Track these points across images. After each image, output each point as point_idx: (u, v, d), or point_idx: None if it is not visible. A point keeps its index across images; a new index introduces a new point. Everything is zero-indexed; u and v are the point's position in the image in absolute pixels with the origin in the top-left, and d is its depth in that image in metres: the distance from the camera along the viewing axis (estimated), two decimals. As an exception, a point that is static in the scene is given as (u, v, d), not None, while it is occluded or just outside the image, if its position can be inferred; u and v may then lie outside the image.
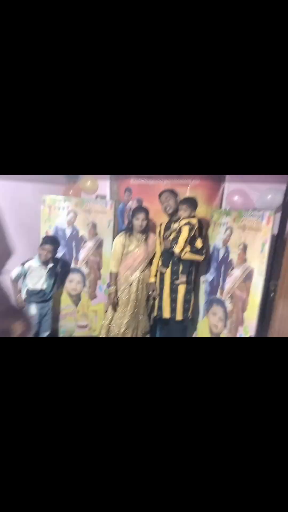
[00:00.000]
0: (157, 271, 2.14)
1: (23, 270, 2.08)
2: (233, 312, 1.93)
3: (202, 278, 2.27)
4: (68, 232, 2.49)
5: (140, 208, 2.12)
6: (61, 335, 2.54)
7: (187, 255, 1.92)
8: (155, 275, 2.16)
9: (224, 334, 2.02)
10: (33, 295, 2.13)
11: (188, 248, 1.92)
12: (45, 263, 2.11)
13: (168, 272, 2.04)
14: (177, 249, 1.89)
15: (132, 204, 2.52)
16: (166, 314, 2.05)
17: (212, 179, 2.24)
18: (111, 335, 2.23)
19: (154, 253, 2.21)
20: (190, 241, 1.93)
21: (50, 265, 2.15)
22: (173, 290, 2.03)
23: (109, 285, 2.33)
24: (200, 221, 1.98)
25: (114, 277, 2.22)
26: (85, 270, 2.54)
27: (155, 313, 2.19)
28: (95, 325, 2.60)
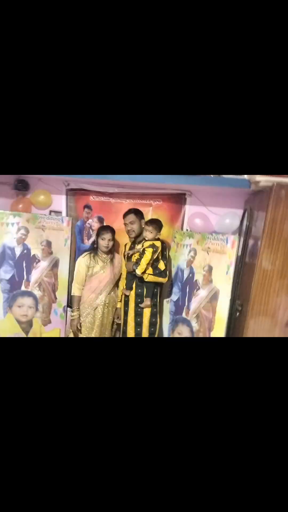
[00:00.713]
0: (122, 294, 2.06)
1: None
2: (199, 331, 1.97)
3: (166, 299, 2.27)
4: (17, 251, 2.22)
5: (106, 227, 2.03)
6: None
7: (150, 278, 1.90)
8: (121, 300, 2.08)
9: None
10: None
11: (150, 271, 1.90)
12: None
13: (132, 294, 1.99)
14: (138, 271, 1.86)
15: (92, 222, 2.40)
16: None
17: (174, 201, 2.31)
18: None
19: (120, 275, 2.12)
20: (153, 263, 1.91)
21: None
22: (138, 314, 1.98)
23: (65, 309, 2.13)
24: (163, 243, 2.00)
25: (77, 300, 2.04)
26: (37, 292, 2.28)
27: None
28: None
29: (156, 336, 2.02)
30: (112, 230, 2.01)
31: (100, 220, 2.38)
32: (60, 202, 2.45)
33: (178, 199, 2.30)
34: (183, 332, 2.10)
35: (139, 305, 1.95)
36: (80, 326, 2.02)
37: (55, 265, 2.35)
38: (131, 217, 2.00)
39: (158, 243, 1.90)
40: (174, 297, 2.19)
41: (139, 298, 1.96)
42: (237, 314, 1.80)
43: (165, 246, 2.00)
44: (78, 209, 2.45)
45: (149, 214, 2.28)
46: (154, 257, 1.87)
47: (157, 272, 1.91)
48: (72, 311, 2.07)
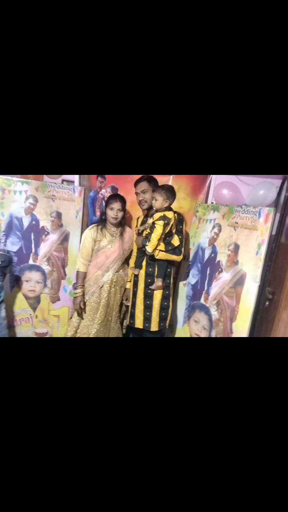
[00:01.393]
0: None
1: None
2: (219, 321, 1.70)
3: (183, 282, 2.01)
4: (25, 221, 2.07)
5: (115, 196, 1.79)
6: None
7: (162, 255, 1.64)
8: (131, 280, 1.86)
9: (208, 345, 1.79)
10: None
11: (162, 247, 1.64)
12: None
13: (142, 274, 1.75)
14: (149, 248, 1.60)
15: (106, 192, 2.17)
16: (139, 324, 1.76)
17: (199, 169, 1.98)
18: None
19: (131, 251, 1.89)
20: (166, 238, 1.64)
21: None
22: (148, 296, 1.74)
23: (75, 286, 1.97)
24: (178, 216, 1.71)
25: (82, 277, 1.86)
26: (46, 267, 2.14)
27: (127, 321, 1.89)
28: (56, 333, 2.22)
29: (167, 322, 1.79)
30: (121, 199, 1.76)
31: (114, 190, 2.14)
32: (73, 170, 2.25)
33: (204, 167, 1.97)
34: (200, 320, 1.84)
35: (149, 286, 1.72)
36: (84, 305, 1.84)
37: (65, 238, 2.19)
38: (144, 185, 1.73)
39: (170, 214, 1.62)
40: (192, 279, 1.91)
41: (149, 278, 1.72)
42: (267, 303, 1.49)
43: (181, 219, 1.71)
44: (92, 178, 2.23)
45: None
46: (166, 231, 1.60)
47: (170, 249, 1.64)
48: (75, 288, 1.90)
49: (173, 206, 1.71)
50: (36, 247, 2.11)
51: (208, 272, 1.80)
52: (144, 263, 1.73)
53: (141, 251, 1.71)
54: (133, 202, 2.03)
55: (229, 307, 1.64)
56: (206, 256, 1.82)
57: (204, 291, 1.82)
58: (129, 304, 1.84)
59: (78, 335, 1.88)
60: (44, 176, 2.28)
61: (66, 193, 2.14)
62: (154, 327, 1.74)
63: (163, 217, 1.59)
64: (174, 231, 1.65)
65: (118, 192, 2.04)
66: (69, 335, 1.89)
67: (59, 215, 2.13)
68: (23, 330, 2.16)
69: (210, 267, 1.78)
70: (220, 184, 1.92)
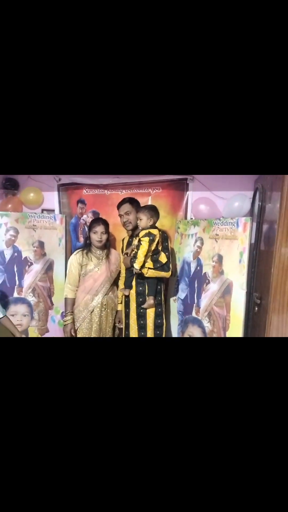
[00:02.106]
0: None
1: None
2: (213, 332, 1.71)
3: (172, 298, 2.03)
4: (7, 254, 2.03)
5: (97, 220, 1.81)
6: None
7: (151, 273, 1.66)
8: (122, 301, 1.85)
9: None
10: None
11: (151, 264, 1.66)
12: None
13: (132, 294, 1.75)
14: (136, 265, 1.61)
15: (87, 218, 2.20)
16: None
17: (175, 188, 2.07)
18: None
19: (119, 273, 1.90)
20: (153, 256, 1.68)
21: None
22: (141, 315, 1.74)
23: (63, 315, 1.92)
24: (163, 233, 1.76)
25: (71, 304, 1.83)
26: (32, 299, 2.08)
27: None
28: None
29: (163, 339, 1.77)
30: (104, 222, 1.79)
31: (95, 214, 2.18)
32: (52, 199, 2.27)
33: (180, 185, 2.07)
34: (194, 333, 1.84)
35: (142, 306, 1.71)
36: (75, 333, 1.79)
37: (49, 267, 2.16)
38: (126, 207, 1.78)
39: (155, 231, 1.66)
40: (182, 294, 1.94)
41: (140, 297, 1.72)
42: (256, 308, 1.53)
43: (166, 236, 1.76)
44: (72, 205, 2.25)
45: (148, 203, 2.05)
46: (153, 248, 1.63)
47: (158, 266, 1.67)
48: (64, 316, 1.85)
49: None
50: (20, 279, 2.06)
51: (196, 285, 1.83)
52: (134, 282, 1.74)
53: (130, 271, 1.72)
54: (116, 225, 2.07)
55: (221, 317, 1.67)
56: (192, 269, 1.86)
57: (194, 304, 1.84)
58: (123, 326, 1.82)
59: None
60: (24, 207, 2.28)
61: (47, 222, 2.14)
62: None
63: (148, 234, 1.63)
64: (160, 248, 1.69)
65: (100, 216, 2.08)
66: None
67: (41, 244, 2.11)
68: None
69: (198, 279, 1.82)
70: (197, 200, 2.01)
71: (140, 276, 1.69)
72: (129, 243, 1.83)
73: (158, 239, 1.66)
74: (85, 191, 2.20)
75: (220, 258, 1.68)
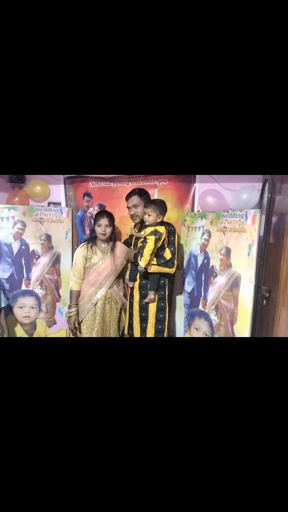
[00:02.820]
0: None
1: None
2: (220, 325, 1.70)
3: (180, 291, 2.02)
4: (15, 247, 2.05)
5: (102, 213, 1.80)
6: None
7: (154, 268, 1.65)
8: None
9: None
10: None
11: (154, 261, 1.65)
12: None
13: (136, 286, 1.76)
14: (142, 263, 1.61)
15: (93, 211, 2.19)
16: (137, 334, 1.76)
17: (182, 180, 2.04)
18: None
19: (125, 266, 1.89)
20: (157, 252, 1.66)
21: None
22: (143, 308, 1.74)
23: (70, 307, 1.94)
24: (170, 227, 1.73)
25: (75, 296, 1.84)
26: (39, 291, 2.10)
27: (126, 331, 1.87)
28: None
29: (164, 334, 1.76)
30: (109, 215, 1.78)
31: (101, 207, 2.17)
32: (58, 192, 2.27)
33: (187, 177, 2.03)
34: (201, 326, 1.84)
35: (143, 300, 1.72)
36: (79, 324, 1.81)
37: (56, 260, 2.17)
38: (135, 199, 1.75)
39: (161, 229, 1.64)
40: (188, 287, 1.93)
41: (143, 290, 1.73)
42: (264, 302, 1.51)
43: (172, 230, 1.73)
44: (78, 198, 2.25)
45: (154, 197, 2.03)
46: (158, 245, 1.62)
47: (162, 262, 1.65)
48: (69, 307, 1.86)
49: (161, 217, 1.74)
50: (27, 272, 2.08)
51: (203, 278, 1.82)
52: (138, 275, 1.75)
53: (135, 264, 1.72)
54: (122, 218, 2.06)
55: (228, 310, 1.65)
56: (199, 262, 1.85)
57: (201, 298, 1.83)
58: (127, 317, 1.83)
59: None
60: (30, 200, 2.29)
61: (54, 215, 2.14)
62: None
63: (155, 232, 1.61)
64: (166, 244, 1.67)
65: (106, 209, 2.07)
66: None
67: (48, 237, 2.12)
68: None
69: (205, 273, 1.80)
70: (204, 192, 1.98)
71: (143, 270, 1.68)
72: (129, 240, 1.82)
73: (164, 236, 1.64)
74: (91, 184, 2.18)
75: (228, 251, 1.66)
